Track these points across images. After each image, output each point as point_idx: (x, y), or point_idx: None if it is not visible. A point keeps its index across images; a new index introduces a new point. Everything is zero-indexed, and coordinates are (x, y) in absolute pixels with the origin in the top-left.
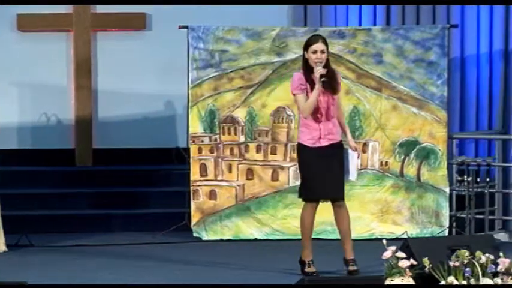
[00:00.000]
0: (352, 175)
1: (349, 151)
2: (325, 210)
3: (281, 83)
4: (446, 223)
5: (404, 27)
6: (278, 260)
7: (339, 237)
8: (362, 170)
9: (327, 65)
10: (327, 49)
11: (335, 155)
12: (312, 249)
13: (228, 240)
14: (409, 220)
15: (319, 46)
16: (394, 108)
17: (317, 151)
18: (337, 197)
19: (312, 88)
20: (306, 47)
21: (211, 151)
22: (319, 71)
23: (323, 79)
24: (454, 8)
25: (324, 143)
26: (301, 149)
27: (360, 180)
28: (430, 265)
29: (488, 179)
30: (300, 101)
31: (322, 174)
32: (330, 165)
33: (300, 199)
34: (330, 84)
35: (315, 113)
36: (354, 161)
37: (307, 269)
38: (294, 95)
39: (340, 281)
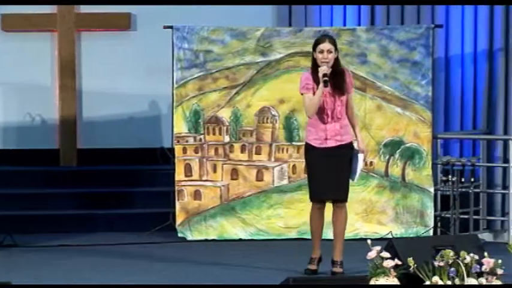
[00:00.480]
0: (353, 176)
1: (358, 153)
2: (309, 211)
3: (266, 83)
4: (431, 223)
5: (388, 27)
6: (263, 260)
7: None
8: None
9: (335, 65)
10: (336, 49)
11: (342, 156)
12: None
13: (213, 240)
14: (394, 220)
15: (325, 46)
16: (378, 108)
17: (324, 151)
18: (336, 199)
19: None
20: (314, 46)
21: (196, 151)
22: (322, 70)
23: (325, 79)
24: (438, 8)
25: (331, 143)
26: (307, 148)
27: None
28: (415, 265)
29: (472, 179)
30: (305, 101)
31: (323, 174)
32: (334, 167)
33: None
34: (336, 84)
35: (321, 114)
36: (359, 162)
37: (308, 266)
38: (301, 94)
39: (325, 281)
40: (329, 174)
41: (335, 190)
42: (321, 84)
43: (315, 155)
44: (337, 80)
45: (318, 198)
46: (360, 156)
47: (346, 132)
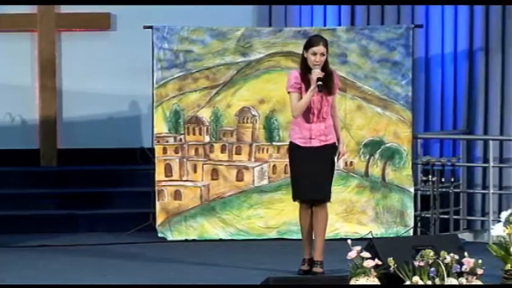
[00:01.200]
0: None
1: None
2: (289, 211)
3: (246, 83)
4: (411, 223)
5: (368, 28)
6: (243, 260)
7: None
8: None
9: (324, 66)
10: (327, 51)
11: (326, 156)
12: (282, 249)
13: (193, 240)
14: (374, 220)
15: (320, 49)
16: (358, 108)
17: (308, 151)
18: (317, 199)
19: (307, 88)
20: (307, 47)
21: (176, 151)
22: (316, 73)
23: (319, 83)
24: (418, 8)
25: (316, 143)
26: (291, 147)
27: None
28: (395, 265)
29: (452, 179)
30: (292, 100)
31: (305, 174)
32: (317, 167)
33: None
34: (325, 85)
35: (307, 113)
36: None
37: (300, 267)
38: (288, 93)
39: (306, 281)
40: (311, 174)
41: (316, 190)
42: (313, 87)
43: (299, 155)
44: (326, 81)
45: (299, 198)
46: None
47: (330, 132)
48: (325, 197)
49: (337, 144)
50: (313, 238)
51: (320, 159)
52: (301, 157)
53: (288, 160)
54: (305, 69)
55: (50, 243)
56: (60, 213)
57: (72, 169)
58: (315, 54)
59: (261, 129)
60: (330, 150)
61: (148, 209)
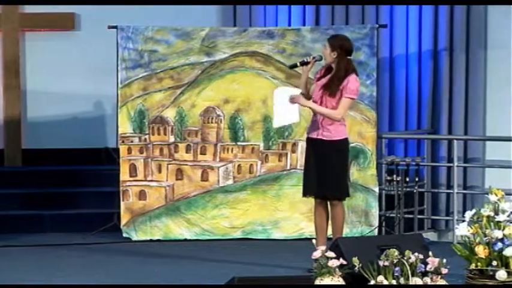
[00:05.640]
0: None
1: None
2: (254, 211)
3: (210, 83)
4: (376, 222)
5: (333, 27)
6: (208, 260)
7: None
8: (291, 170)
9: (338, 66)
10: (331, 47)
11: (331, 154)
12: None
13: (158, 240)
14: None
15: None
16: None
17: (316, 143)
18: (324, 196)
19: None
20: (351, 51)
21: (141, 151)
22: (312, 56)
23: (302, 60)
24: (382, 8)
25: (322, 137)
26: (306, 141)
27: (290, 180)
28: (360, 264)
29: (417, 179)
30: (349, 106)
31: (312, 171)
32: (323, 164)
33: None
34: (329, 87)
35: None
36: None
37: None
38: (352, 98)
39: (270, 280)
40: (318, 171)
41: (323, 187)
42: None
43: (308, 150)
44: (330, 80)
45: (306, 194)
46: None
47: (336, 130)
48: (338, 195)
49: (345, 142)
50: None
51: (326, 157)
52: (310, 153)
53: (341, 156)
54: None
55: (13, 244)
56: (24, 213)
57: (36, 169)
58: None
59: (225, 129)
60: (336, 148)
61: (113, 209)
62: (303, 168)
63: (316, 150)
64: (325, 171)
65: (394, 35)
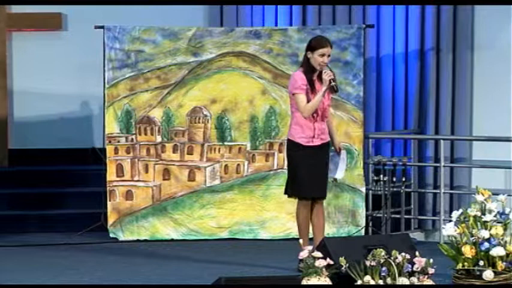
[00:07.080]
0: (339, 174)
1: (340, 151)
2: (241, 211)
3: (197, 83)
4: (363, 223)
5: (320, 27)
6: (195, 260)
7: (254, 237)
8: (278, 170)
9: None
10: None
11: (324, 154)
12: (234, 248)
13: (145, 240)
14: (326, 220)
15: (328, 51)
16: None
17: (310, 150)
18: (321, 196)
19: (312, 89)
20: (313, 48)
21: (128, 151)
22: (328, 74)
23: (334, 84)
24: (369, 8)
25: (317, 142)
26: (292, 146)
27: (277, 180)
28: (347, 264)
29: (404, 179)
30: (300, 101)
31: (311, 173)
32: (318, 165)
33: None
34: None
35: (313, 113)
36: (344, 160)
37: (299, 265)
38: (293, 94)
39: (257, 280)
40: (314, 173)
41: (318, 188)
42: (326, 88)
43: (302, 154)
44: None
45: (308, 197)
46: (343, 153)
47: (327, 131)
48: (325, 194)
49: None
50: (314, 235)
51: (320, 157)
52: (303, 156)
53: (286, 156)
54: (309, 70)
55: (0, 244)
56: (11, 213)
57: (23, 169)
58: (323, 55)
59: (212, 129)
60: (327, 148)
61: (99, 209)
62: (306, 171)
63: (325, 154)
64: (322, 172)
65: (381, 35)
